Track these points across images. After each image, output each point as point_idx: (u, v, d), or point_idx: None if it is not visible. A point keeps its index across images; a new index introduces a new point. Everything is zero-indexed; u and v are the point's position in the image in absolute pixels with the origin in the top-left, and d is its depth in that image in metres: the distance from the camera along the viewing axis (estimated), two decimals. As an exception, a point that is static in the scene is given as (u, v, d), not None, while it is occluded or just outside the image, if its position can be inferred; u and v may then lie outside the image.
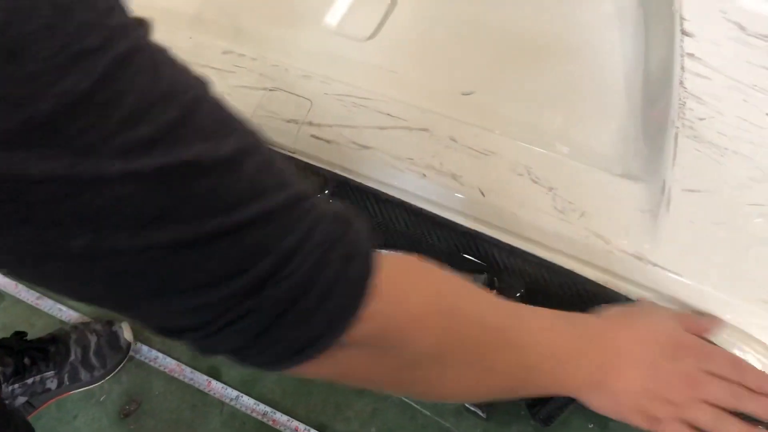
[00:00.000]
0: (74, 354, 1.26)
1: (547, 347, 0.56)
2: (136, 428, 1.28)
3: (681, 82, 0.71)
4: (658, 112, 0.72)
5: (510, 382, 0.55)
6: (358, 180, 0.77)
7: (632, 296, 0.68)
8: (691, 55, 0.71)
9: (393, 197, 0.76)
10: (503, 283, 0.70)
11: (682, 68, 0.71)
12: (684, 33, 0.73)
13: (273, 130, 0.81)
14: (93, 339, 1.29)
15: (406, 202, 0.75)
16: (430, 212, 0.74)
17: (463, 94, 0.81)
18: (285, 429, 1.22)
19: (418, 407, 1.23)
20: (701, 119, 0.69)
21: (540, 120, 0.77)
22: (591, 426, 1.17)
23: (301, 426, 1.22)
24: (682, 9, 0.73)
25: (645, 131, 0.73)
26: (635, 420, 0.60)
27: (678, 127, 0.69)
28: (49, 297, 1.45)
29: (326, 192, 0.78)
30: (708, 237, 0.67)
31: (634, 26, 0.81)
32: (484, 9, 0.87)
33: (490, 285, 0.71)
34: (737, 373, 0.62)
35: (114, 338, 1.30)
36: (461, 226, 0.73)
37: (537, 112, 0.78)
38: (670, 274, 0.67)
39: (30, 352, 1.23)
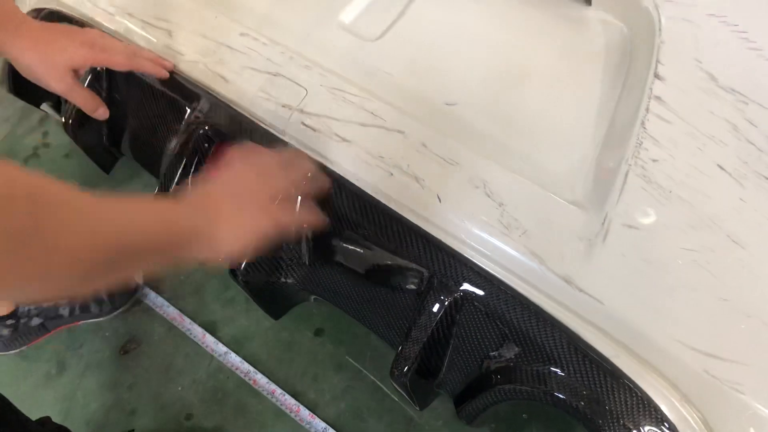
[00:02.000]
0: None
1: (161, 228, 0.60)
2: (132, 365, 1.38)
3: (642, 123, 0.74)
4: (617, 148, 0.76)
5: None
6: (334, 169, 0.83)
7: (556, 314, 0.72)
8: (658, 98, 0.75)
9: (360, 189, 0.81)
10: (441, 283, 0.76)
11: (647, 110, 0.75)
12: (656, 76, 0.76)
13: (268, 113, 0.88)
14: None
15: (369, 195, 0.81)
16: (389, 208, 0.80)
17: (447, 104, 0.86)
18: (263, 390, 1.30)
19: (388, 392, 1.29)
20: (654, 161, 0.73)
21: (508, 139, 0.81)
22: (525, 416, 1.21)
23: (278, 390, 1.30)
24: (659, 53, 0.76)
25: (600, 164, 0.77)
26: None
27: (630, 165, 0.73)
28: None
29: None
30: (637, 273, 0.70)
31: (617, 66, 0.84)
32: (485, 29, 0.92)
33: (429, 283, 0.76)
34: None
35: None
36: (414, 224, 0.78)
37: (508, 131, 0.82)
38: (593, 301, 0.71)
39: None
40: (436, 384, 0.84)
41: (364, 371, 1.33)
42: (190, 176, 0.94)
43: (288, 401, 1.29)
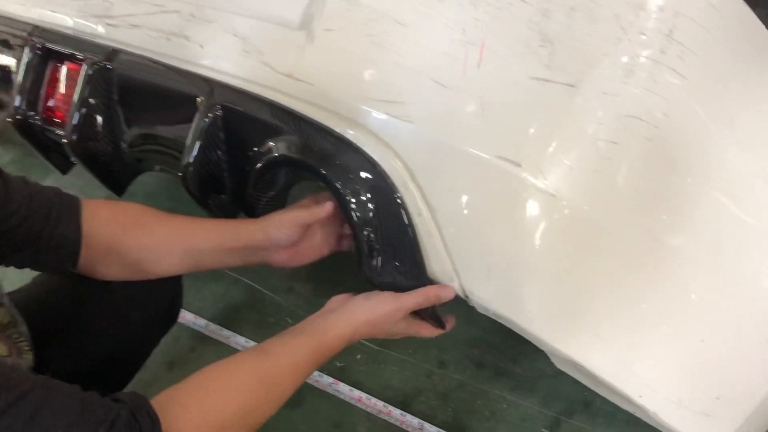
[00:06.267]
0: None
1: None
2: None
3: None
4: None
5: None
6: (130, 49, 1.09)
7: (287, 103, 0.95)
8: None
9: (148, 57, 1.06)
10: (207, 103, 0.99)
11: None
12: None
13: (85, 26, 1.14)
14: None
15: (158, 60, 1.06)
16: (170, 64, 1.05)
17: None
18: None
19: (258, 287, 1.50)
20: (343, -13, 0.98)
21: (245, 2, 1.06)
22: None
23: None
24: None
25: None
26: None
27: (327, -7, 0.98)
28: None
29: (107, 62, 1.09)
30: (336, 58, 0.95)
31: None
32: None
33: (194, 105, 1.00)
34: None
35: None
36: (186, 70, 1.03)
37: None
38: (308, 86, 0.95)
39: None
40: (227, 198, 1.06)
41: (239, 277, 1.54)
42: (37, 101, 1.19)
43: (174, 309, 1.49)
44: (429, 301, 0.93)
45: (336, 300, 0.97)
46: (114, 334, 1.04)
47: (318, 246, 1.04)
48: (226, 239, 0.96)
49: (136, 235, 0.94)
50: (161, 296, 1.10)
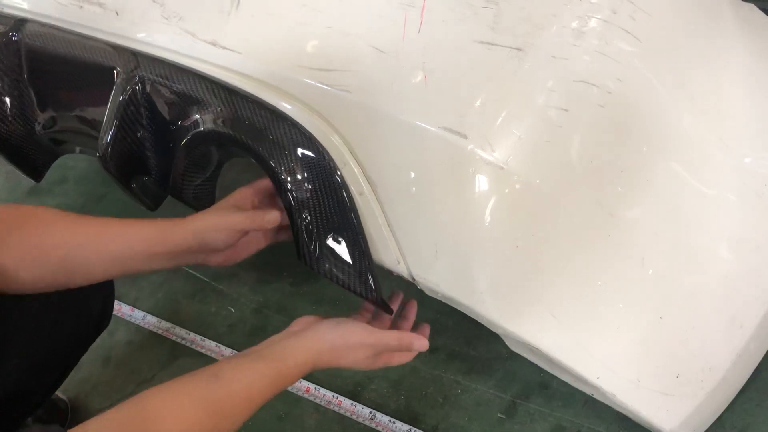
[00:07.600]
0: None
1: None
2: None
3: None
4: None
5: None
6: (39, 19, 0.99)
7: (208, 72, 0.87)
8: None
9: (59, 26, 0.97)
10: (126, 75, 0.90)
11: None
12: None
13: None
14: None
15: (69, 30, 0.96)
16: (83, 34, 0.95)
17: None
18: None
19: (198, 275, 1.42)
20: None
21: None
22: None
23: (99, 294, 1.40)
24: None
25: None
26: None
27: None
28: None
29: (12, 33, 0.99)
30: (268, 23, 0.88)
31: None
32: None
33: (111, 78, 0.91)
34: None
35: None
36: (102, 39, 0.94)
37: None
38: (234, 54, 0.87)
39: None
40: (152, 180, 0.98)
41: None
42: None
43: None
44: (401, 348, 0.86)
45: (300, 322, 0.86)
46: (36, 353, 0.92)
47: (255, 241, 0.92)
48: (153, 244, 0.83)
49: (48, 247, 0.79)
50: (92, 300, 0.99)
